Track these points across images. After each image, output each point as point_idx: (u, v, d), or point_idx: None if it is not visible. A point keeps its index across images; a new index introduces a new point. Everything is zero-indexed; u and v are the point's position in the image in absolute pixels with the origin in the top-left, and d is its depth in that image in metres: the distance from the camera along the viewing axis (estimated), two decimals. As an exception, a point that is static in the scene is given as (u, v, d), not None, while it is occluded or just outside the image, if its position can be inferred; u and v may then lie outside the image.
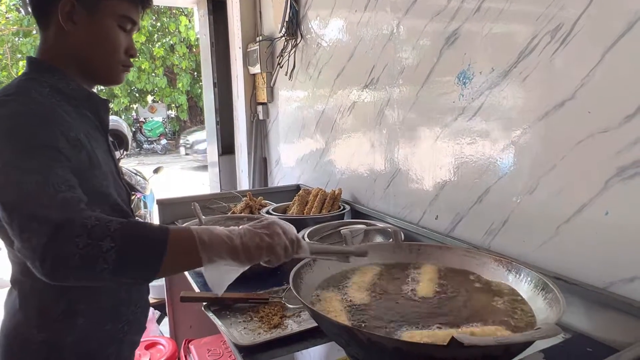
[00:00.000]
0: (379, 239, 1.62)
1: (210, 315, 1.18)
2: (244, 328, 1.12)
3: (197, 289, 1.37)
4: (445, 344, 0.68)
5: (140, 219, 3.53)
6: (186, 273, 1.50)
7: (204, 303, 1.23)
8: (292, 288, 0.96)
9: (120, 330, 1.04)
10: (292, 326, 1.12)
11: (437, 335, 0.83)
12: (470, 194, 1.43)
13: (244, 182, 3.21)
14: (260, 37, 2.77)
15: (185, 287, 1.57)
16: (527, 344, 0.76)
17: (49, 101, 0.89)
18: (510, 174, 1.30)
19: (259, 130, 3.03)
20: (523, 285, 1.03)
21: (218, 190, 3.42)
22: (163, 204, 2.14)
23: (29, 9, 0.99)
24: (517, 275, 1.06)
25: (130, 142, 3.66)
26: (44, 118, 0.84)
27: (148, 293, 1.20)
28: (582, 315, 1.08)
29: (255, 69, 2.84)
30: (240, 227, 0.85)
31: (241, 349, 1.01)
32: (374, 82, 1.84)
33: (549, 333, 0.69)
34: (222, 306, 1.22)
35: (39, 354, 0.94)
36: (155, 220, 3.18)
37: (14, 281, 0.98)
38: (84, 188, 0.83)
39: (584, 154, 1.10)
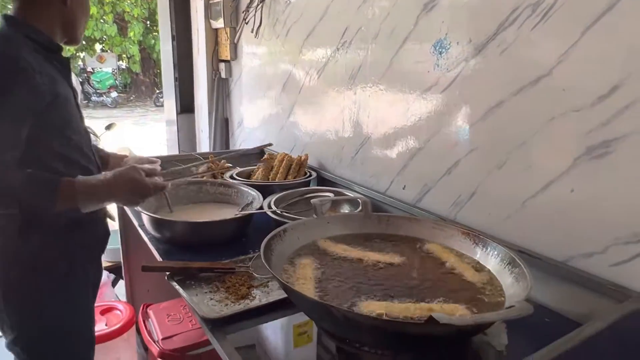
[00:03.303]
0: (346, 208, 1.61)
1: (175, 285, 1.13)
2: (211, 299, 1.09)
3: (158, 257, 1.31)
4: (423, 321, 0.68)
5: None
6: (146, 240, 1.44)
7: (167, 273, 1.18)
8: (263, 261, 0.94)
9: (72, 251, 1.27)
10: (260, 297, 1.10)
11: (393, 307, 0.83)
12: (440, 166, 1.43)
13: (204, 143, 3.10)
14: (224, -11, 2.60)
15: (143, 252, 1.51)
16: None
17: (19, 47, 1.06)
18: (480, 148, 1.31)
19: (220, 89, 2.89)
20: (490, 259, 1.06)
21: (176, 150, 3.28)
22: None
23: None
24: (485, 249, 1.08)
25: (79, 93, 3.41)
26: (5, 68, 1.03)
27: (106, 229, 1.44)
28: (542, 287, 1.12)
29: (218, 24, 2.68)
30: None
31: (209, 321, 0.98)
32: (346, 45, 1.78)
33: (521, 312, 0.70)
34: (186, 275, 1.18)
35: None
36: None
37: None
38: (46, 126, 1.11)
39: (555, 131, 1.11)
